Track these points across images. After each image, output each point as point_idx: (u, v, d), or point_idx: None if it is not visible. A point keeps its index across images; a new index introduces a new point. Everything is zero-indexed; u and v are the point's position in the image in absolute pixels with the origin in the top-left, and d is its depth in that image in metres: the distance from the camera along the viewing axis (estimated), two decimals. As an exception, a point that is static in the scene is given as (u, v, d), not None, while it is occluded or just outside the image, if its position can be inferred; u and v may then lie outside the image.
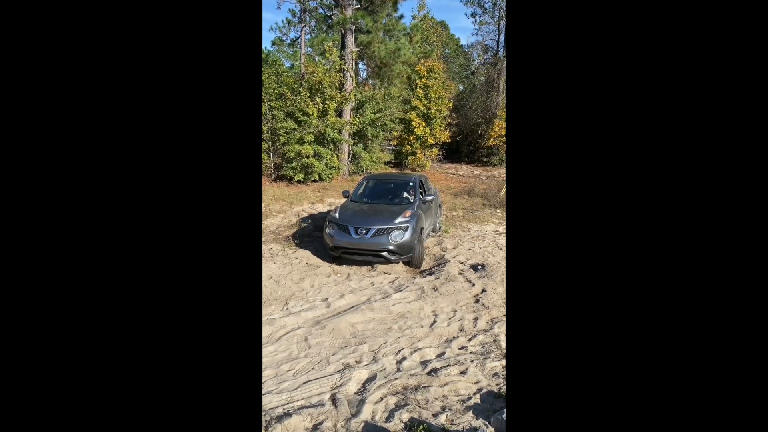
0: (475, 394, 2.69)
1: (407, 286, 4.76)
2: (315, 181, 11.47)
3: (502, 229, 7.64)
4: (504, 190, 10.43)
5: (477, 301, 4.39)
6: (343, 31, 12.41)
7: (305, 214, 8.34)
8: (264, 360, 3.17)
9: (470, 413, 2.44)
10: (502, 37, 19.12)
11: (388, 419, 2.41)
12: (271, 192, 9.94)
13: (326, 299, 4.41)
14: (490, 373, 2.98)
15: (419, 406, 2.53)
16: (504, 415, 2.19)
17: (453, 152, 18.92)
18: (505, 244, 6.53)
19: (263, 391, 2.72)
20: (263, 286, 4.73)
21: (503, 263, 5.51)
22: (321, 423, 2.36)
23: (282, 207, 8.80)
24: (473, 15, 20.14)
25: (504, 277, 4.97)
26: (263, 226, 7.37)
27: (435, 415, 2.44)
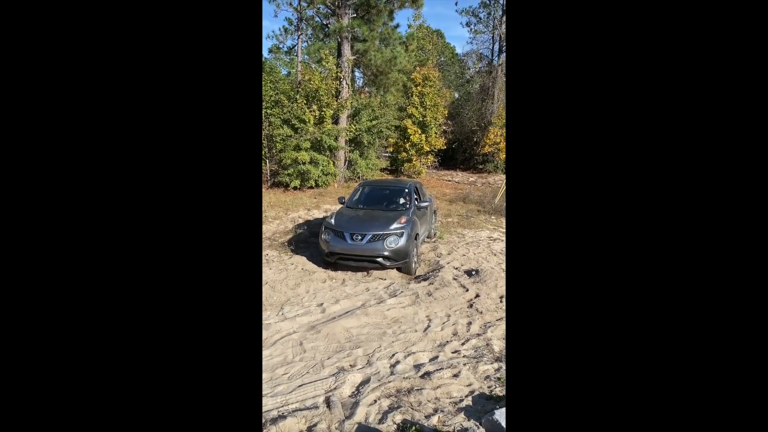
0: (467, 396, 2.74)
1: (402, 292, 4.81)
2: (311, 187, 11.53)
3: (497, 235, 7.71)
4: (498, 197, 10.52)
5: (471, 306, 4.44)
6: (339, 40, 12.55)
7: (301, 221, 8.38)
8: (259, 364, 3.21)
9: (462, 414, 2.49)
10: (497, 46, 19.38)
11: (381, 421, 2.45)
12: (267, 198, 9.98)
13: (321, 304, 4.45)
14: (482, 376, 3.03)
15: (412, 408, 2.58)
16: (494, 416, 2.24)
17: (448, 159, 19.05)
18: (499, 250, 6.60)
19: (258, 395, 2.75)
20: (259, 291, 4.76)
21: (497, 269, 5.57)
22: (315, 425, 2.40)
23: (278, 213, 8.84)
24: (468, 24, 20.44)
25: (497, 282, 5.03)
26: (259, 232, 7.39)
27: (427, 417, 2.48)
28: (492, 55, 19.96)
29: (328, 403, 2.64)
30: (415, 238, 5.68)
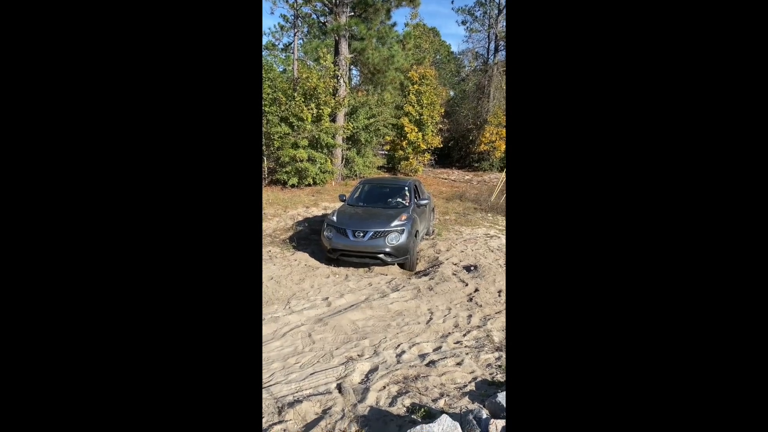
0: (470, 382, 2.92)
1: (404, 286, 4.97)
2: (309, 185, 11.65)
3: (493, 232, 7.91)
4: (495, 195, 10.72)
5: (470, 299, 4.62)
6: (336, 38, 12.65)
7: (300, 218, 8.51)
8: (271, 354, 3.36)
9: (466, 398, 2.67)
10: (492, 45, 19.57)
11: (391, 404, 2.61)
12: (265, 196, 10.07)
13: (326, 298, 4.60)
14: (483, 364, 3.21)
15: (419, 393, 2.75)
16: (497, 398, 2.41)
17: (444, 157, 19.24)
18: (496, 247, 6.79)
19: (273, 382, 2.90)
20: (265, 286, 4.90)
21: (494, 264, 5.76)
22: (330, 408, 2.56)
23: (277, 211, 8.96)
24: (464, 23, 20.61)
25: (495, 277, 5.21)
26: (261, 229, 7.50)
27: (434, 400, 2.65)
28: (487, 54, 20.15)
29: (340, 388, 2.80)
30: (415, 235, 5.84)
